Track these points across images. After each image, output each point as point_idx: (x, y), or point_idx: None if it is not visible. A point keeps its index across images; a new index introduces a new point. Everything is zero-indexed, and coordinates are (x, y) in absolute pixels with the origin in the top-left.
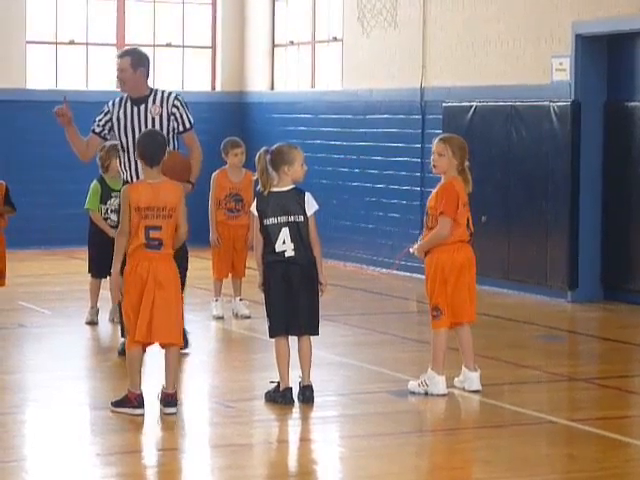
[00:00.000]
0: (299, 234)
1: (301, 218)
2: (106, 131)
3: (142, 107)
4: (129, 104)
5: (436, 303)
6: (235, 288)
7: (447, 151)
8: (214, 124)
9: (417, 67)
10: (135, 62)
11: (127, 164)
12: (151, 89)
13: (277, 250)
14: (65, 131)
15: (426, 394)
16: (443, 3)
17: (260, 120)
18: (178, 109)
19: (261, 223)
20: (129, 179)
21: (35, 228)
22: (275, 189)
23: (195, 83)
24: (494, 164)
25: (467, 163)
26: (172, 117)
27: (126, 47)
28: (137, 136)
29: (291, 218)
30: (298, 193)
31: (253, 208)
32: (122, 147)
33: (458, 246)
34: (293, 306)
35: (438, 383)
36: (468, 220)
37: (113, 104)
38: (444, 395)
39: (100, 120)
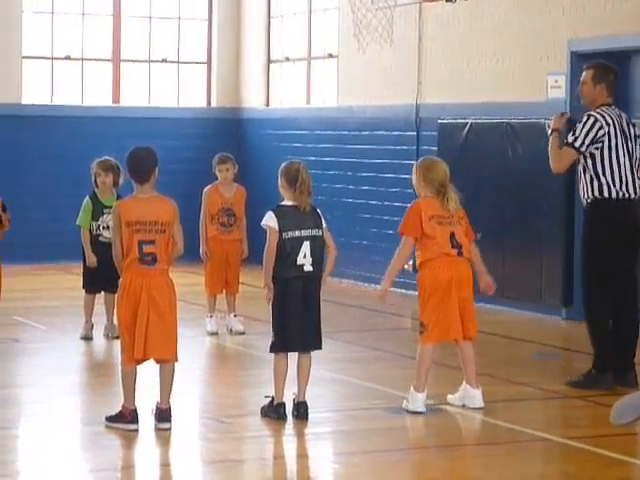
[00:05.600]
0: (316, 248)
1: (319, 232)
2: None
3: None
4: None
5: (421, 319)
6: (229, 304)
7: (414, 173)
8: (209, 140)
9: (412, 84)
10: (597, 76)
11: None
12: (607, 105)
13: (298, 263)
14: None
15: (407, 411)
16: (439, 20)
17: (255, 136)
18: (574, 126)
19: (280, 237)
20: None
21: (30, 243)
22: (292, 203)
23: (190, 99)
24: (489, 181)
25: (447, 185)
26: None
27: (595, 61)
28: None
29: (313, 232)
30: (313, 208)
31: (272, 222)
32: None
33: (444, 262)
34: (308, 322)
35: (416, 400)
36: (453, 234)
37: None
38: (421, 413)
39: None
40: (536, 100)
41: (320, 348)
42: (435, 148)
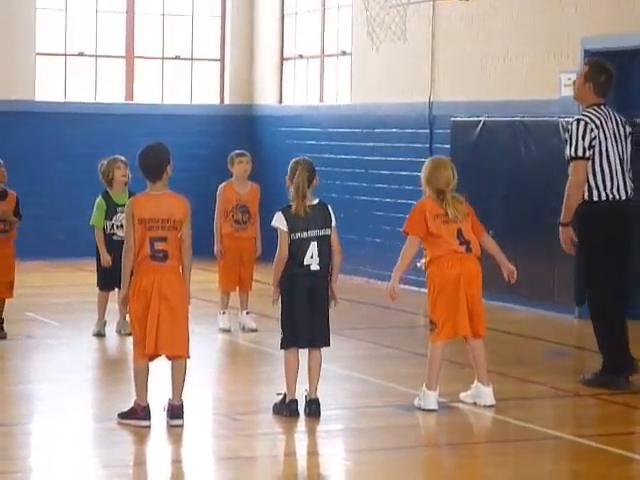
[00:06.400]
0: (324, 248)
1: (328, 232)
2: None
3: None
4: None
5: (430, 317)
6: (242, 301)
7: (423, 169)
8: (222, 137)
9: (426, 81)
10: (588, 74)
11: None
12: (597, 105)
13: (305, 263)
14: None
15: (419, 409)
16: (452, 17)
17: (268, 133)
18: (566, 135)
19: (289, 238)
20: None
21: (43, 240)
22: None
23: (204, 96)
24: (501, 179)
25: (449, 186)
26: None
27: (592, 58)
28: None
29: (321, 232)
30: (323, 206)
31: (281, 224)
32: None
33: (452, 258)
34: (315, 319)
35: (429, 397)
36: (460, 231)
37: None
38: (433, 411)
39: None
40: (549, 98)
41: (328, 345)
42: (448, 146)
